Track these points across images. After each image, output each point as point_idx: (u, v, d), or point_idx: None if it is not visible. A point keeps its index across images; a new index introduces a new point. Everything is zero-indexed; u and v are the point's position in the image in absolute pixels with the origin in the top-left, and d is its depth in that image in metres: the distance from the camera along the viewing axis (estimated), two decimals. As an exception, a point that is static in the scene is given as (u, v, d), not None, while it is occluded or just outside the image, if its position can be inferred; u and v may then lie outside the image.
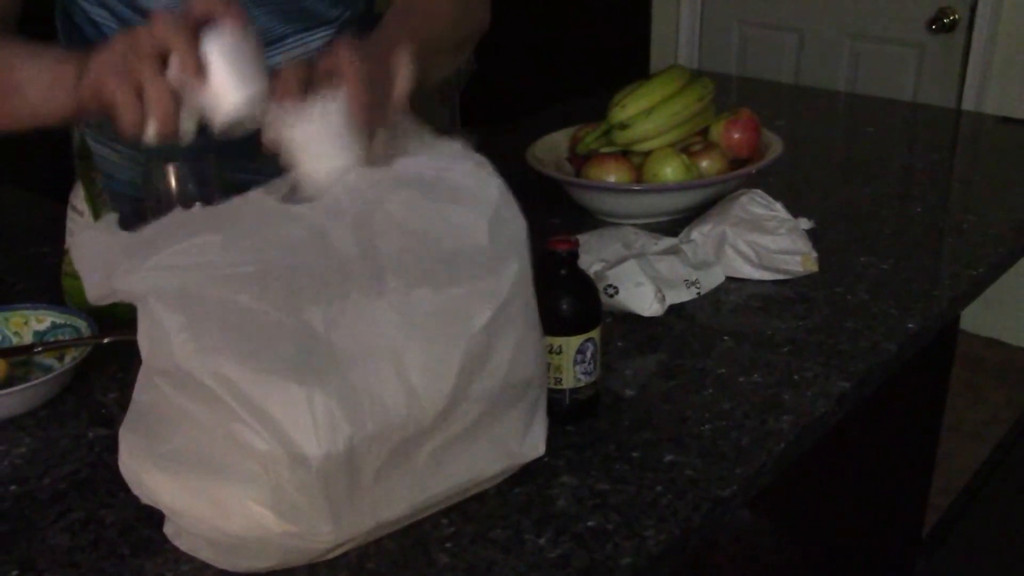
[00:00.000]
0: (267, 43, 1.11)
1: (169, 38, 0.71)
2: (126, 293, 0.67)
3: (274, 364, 0.65)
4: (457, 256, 0.71)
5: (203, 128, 1.23)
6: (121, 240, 0.68)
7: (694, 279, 1.10)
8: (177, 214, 0.68)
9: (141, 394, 0.74)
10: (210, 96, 0.73)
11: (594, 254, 1.10)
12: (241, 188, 1.00)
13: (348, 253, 0.68)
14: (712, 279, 1.12)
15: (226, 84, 0.72)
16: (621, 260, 1.09)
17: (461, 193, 0.74)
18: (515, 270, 0.73)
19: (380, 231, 0.70)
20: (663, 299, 1.05)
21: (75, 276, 1.05)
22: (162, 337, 0.66)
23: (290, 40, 1.13)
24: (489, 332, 0.72)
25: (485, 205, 0.74)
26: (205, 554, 0.72)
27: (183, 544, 0.73)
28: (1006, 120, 1.90)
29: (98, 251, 0.68)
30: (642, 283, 1.05)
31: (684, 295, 1.08)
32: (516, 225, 0.75)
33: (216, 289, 0.65)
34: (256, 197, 0.70)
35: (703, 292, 1.09)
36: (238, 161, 1.24)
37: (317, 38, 1.15)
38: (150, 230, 0.68)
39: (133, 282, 0.66)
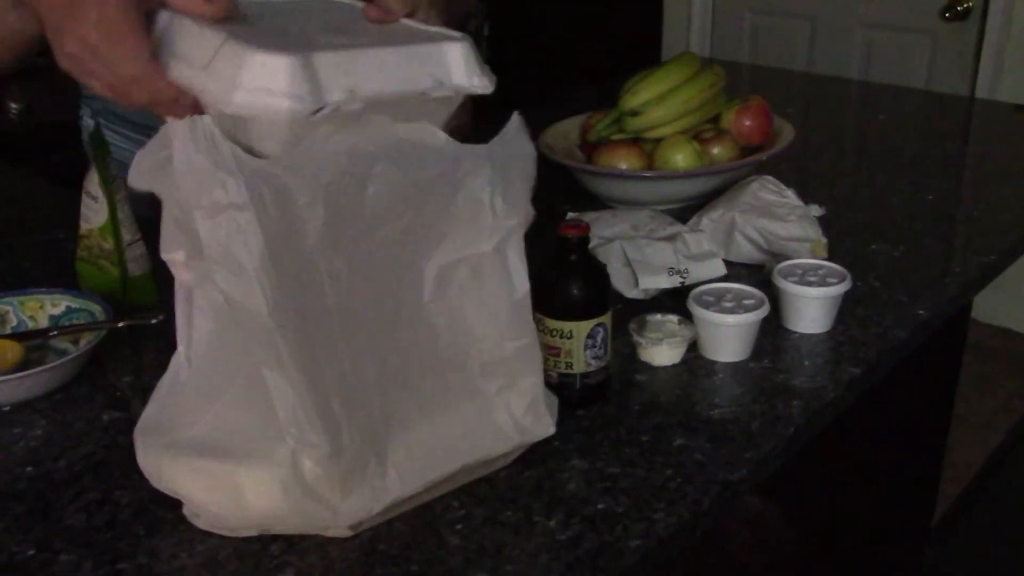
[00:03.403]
0: None
1: None
2: None
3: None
4: (416, 222, 0.72)
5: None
6: None
7: (682, 268, 1.07)
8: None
9: (165, 379, 0.76)
10: None
11: (596, 231, 1.11)
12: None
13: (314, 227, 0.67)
14: (707, 271, 1.09)
15: None
16: (613, 240, 1.09)
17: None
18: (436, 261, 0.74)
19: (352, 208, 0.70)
20: (636, 284, 1.06)
21: (89, 261, 1.06)
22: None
23: None
24: (454, 285, 0.74)
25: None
26: (223, 531, 0.73)
27: (202, 523, 0.74)
28: (1020, 108, 1.89)
29: None
30: (618, 267, 1.07)
31: (664, 282, 1.06)
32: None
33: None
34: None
35: (690, 282, 1.06)
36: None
37: None
38: None
39: None
